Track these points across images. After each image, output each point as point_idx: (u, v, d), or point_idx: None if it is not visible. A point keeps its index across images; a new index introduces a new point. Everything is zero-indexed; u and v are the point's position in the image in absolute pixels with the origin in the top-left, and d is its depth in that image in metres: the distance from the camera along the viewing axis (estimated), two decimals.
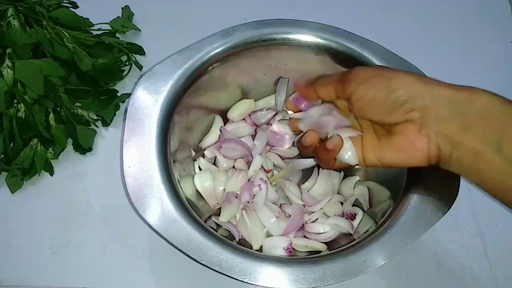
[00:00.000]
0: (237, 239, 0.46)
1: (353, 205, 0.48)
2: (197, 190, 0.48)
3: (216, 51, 0.46)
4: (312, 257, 0.40)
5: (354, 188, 0.49)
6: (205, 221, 0.42)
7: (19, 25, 0.50)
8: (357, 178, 0.50)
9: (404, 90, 0.33)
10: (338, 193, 0.50)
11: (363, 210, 0.48)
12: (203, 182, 0.47)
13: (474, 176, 0.33)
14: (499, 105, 0.32)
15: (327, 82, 0.38)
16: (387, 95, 0.34)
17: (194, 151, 0.50)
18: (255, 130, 0.51)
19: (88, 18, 0.57)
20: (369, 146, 0.37)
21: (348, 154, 0.39)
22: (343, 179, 0.50)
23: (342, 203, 0.48)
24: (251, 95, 0.53)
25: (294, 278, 0.37)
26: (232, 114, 0.51)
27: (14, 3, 0.51)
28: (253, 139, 0.50)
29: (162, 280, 0.47)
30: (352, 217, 0.47)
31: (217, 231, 0.42)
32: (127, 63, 0.58)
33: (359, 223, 0.47)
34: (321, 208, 0.47)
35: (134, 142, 0.42)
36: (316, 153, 0.40)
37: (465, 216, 0.51)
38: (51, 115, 0.51)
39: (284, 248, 0.44)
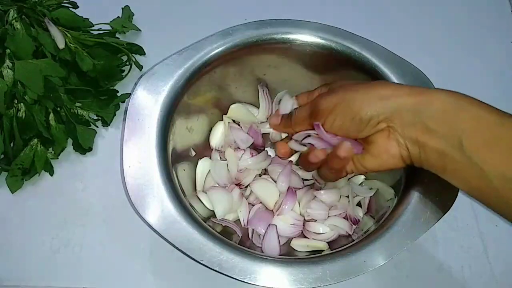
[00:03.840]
0: (239, 235, 0.46)
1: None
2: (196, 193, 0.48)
3: (216, 51, 0.46)
4: (312, 257, 0.40)
5: (360, 186, 0.49)
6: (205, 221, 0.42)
7: (23, 28, 0.50)
8: (362, 177, 0.50)
9: (366, 110, 0.36)
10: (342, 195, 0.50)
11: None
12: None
13: (445, 175, 0.34)
14: (454, 103, 0.33)
15: (301, 120, 0.41)
16: (353, 119, 0.36)
17: (194, 151, 0.50)
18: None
19: (88, 18, 0.57)
20: (354, 157, 0.39)
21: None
22: (348, 179, 0.50)
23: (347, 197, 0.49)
24: (252, 95, 0.53)
25: (294, 278, 0.37)
26: (213, 143, 0.52)
27: (16, 4, 0.51)
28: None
29: (162, 280, 0.47)
30: (355, 222, 0.47)
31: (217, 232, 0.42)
32: (127, 63, 0.58)
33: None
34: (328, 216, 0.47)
35: (134, 142, 0.42)
36: (327, 166, 0.41)
37: (465, 216, 0.51)
38: (51, 115, 0.51)
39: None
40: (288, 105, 0.44)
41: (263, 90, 0.52)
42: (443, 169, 0.34)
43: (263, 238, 0.45)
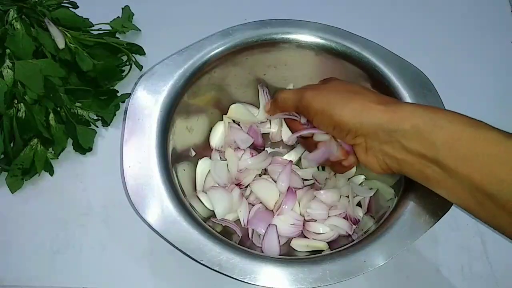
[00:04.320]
0: (239, 234, 0.46)
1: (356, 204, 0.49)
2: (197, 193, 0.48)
3: (216, 51, 0.46)
4: (312, 257, 0.40)
5: (360, 186, 0.49)
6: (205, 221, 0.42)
7: (23, 28, 0.50)
8: (362, 177, 0.50)
9: (345, 123, 0.37)
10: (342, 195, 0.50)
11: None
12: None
13: (429, 187, 0.35)
14: (429, 120, 0.33)
15: (287, 107, 0.43)
16: (334, 127, 0.38)
17: (194, 151, 0.50)
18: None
19: (88, 18, 0.57)
20: None
21: None
22: (348, 179, 0.50)
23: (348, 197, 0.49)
24: (252, 95, 0.53)
25: (294, 278, 0.37)
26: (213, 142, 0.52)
27: (16, 4, 0.51)
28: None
29: (162, 280, 0.47)
30: (355, 221, 0.47)
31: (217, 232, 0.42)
32: (127, 63, 0.58)
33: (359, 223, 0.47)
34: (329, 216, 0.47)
35: (134, 142, 0.42)
36: (333, 168, 0.45)
37: (465, 216, 0.51)
38: (51, 115, 0.51)
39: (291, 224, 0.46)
40: None
41: (263, 90, 0.52)
42: (426, 182, 0.35)
43: (263, 238, 0.45)
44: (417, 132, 0.33)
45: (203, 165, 0.50)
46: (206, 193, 0.48)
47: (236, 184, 0.49)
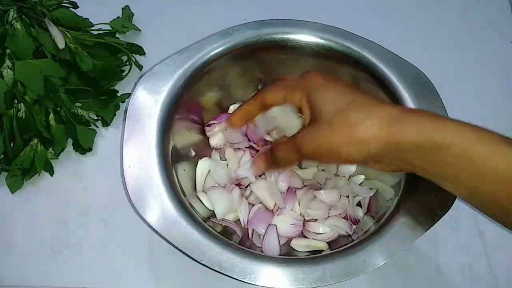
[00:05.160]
0: (239, 234, 0.46)
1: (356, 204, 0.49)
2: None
3: (216, 51, 0.46)
4: (312, 257, 0.40)
5: (360, 186, 0.49)
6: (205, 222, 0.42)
7: (23, 28, 0.50)
8: (362, 177, 0.50)
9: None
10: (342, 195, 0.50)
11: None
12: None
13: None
14: (431, 135, 0.31)
15: (289, 162, 0.40)
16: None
17: (194, 151, 0.50)
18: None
19: (88, 18, 0.57)
20: None
21: None
22: (348, 179, 0.50)
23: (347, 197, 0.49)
24: (251, 95, 0.53)
25: (294, 278, 0.37)
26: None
27: (16, 4, 0.51)
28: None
29: (162, 280, 0.47)
30: (355, 221, 0.47)
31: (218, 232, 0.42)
32: (127, 63, 0.58)
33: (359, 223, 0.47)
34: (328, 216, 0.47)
35: (134, 142, 0.42)
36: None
37: (465, 216, 0.51)
38: (51, 115, 0.51)
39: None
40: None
41: None
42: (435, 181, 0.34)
43: (263, 238, 0.45)
44: (423, 153, 0.32)
45: (203, 165, 0.50)
46: (206, 193, 0.48)
47: (236, 184, 0.49)
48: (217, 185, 0.49)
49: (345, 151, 0.34)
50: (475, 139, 0.30)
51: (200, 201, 0.47)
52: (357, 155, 0.34)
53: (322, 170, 0.51)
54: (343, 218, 0.47)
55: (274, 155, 0.39)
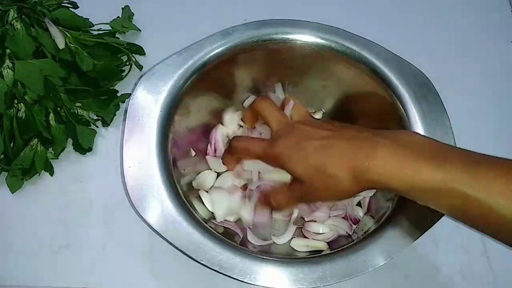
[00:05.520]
0: (240, 235, 0.46)
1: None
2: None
3: (216, 51, 0.46)
4: (312, 257, 0.40)
5: None
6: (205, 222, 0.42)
7: (23, 28, 0.50)
8: None
9: (347, 193, 0.38)
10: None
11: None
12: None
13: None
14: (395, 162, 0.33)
15: (253, 157, 0.42)
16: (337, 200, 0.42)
17: (194, 151, 0.50)
18: None
19: (88, 18, 0.57)
20: None
21: None
22: None
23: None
24: (250, 95, 0.53)
25: (294, 278, 0.37)
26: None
27: (16, 4, 0.51)
28: None
29: (162, 280, 0.47)
30: (355, 221, 0.47)
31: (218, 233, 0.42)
32: (127, 63, 0.58)
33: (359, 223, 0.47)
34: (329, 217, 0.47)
35: (134, 142, 0.42)
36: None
37: None
38: (51, 115, 0.51)
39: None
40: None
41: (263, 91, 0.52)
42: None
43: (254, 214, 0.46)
44: (384, 169, 0.34)
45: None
46: (207, 192, 0.48)
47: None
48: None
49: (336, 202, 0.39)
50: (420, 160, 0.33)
51: (201, 200, 0.47)
52: (350, 189, 0.36)
53: None
54: (343, 218, 0.47)
55: (268, 198, 0.43)
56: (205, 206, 0.47)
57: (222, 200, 0.46)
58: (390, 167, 0.33)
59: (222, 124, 0.51)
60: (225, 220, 0.46)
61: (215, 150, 0.50)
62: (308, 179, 0.37)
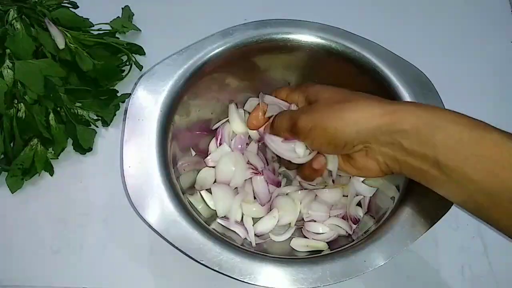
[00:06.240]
0: (242, 237, 0.46)
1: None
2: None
3: (216, 51, 0.46)
4: (312, 257, 0.40)
5: (363, 184, 0.49)
6: (208, 224, 0.42)
7: (23, 28, 0.50)
8: None
9: (340, 137, 0.36)
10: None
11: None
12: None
13: (429, 187, 0.35)
14: (428, 121, 0.33)
15: (281, 130, 0.42)
16: (329, 143, 0.37)
17: (194, 151, 0.50)
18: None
19: (88, 18, 0.57)
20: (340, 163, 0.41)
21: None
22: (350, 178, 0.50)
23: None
24: (251, 95, 0.53)
25: (294, 278, 0.37)
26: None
27: (16, 4, 0.51)
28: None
29: (162, 280, 0.47)
30: (355, 221, 0.47)
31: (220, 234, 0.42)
32: (127, 63, 0.58)
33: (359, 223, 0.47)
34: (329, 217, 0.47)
35: (134, 142, 0.42)
36: (302, 171, 0.43)
37: (465, 216, 0.51)
38: (51, 115, 0.51)
39: None
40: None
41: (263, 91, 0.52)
42: (426, 183, 0.34)
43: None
44: (417, 133, 0.33)
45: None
46: (207, 190, 0.48)
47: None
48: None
49: (334, 126, 0.36)
50: (465, 124, 0.32)
51: (202, 199, 0.47)
52: (343, 132, 0.36)
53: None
54: (343, 218, 0.47)
55: (273, 120, 0.43)
56: (207, 205, 0.47)
57: (223, 193, 0.46)
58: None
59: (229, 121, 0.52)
60: (225, 216, 0.46)
61: (219, 145, 0.51)
62: (325, 100, 0.38)
